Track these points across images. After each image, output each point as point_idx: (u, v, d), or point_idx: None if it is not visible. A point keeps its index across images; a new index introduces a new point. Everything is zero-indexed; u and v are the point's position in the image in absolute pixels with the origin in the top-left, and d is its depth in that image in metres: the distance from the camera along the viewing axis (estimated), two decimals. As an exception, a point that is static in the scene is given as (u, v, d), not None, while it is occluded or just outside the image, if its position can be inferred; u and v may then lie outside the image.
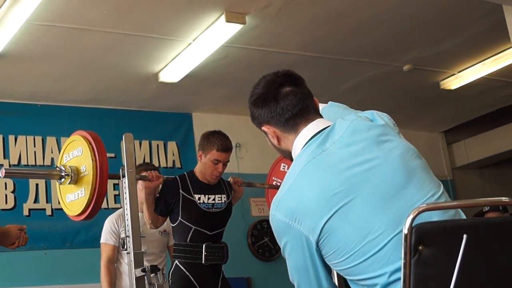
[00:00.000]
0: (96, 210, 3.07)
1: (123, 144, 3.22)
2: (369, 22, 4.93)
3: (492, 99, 7.26)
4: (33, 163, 5.77)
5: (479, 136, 8.14)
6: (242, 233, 6.58)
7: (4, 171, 3.07)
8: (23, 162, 5.71)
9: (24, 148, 5.77)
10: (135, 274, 3.01)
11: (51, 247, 5.50)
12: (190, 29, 4.73)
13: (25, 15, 4.12)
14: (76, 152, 3.17)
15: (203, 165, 3.71)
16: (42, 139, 5.88)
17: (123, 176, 3.17)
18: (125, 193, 3.16)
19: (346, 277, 1.71)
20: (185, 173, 3.80)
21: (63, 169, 3.14)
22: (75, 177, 3.11)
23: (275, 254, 6.55)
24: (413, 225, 1.46)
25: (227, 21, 4.51)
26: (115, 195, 5.98)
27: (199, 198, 3.65)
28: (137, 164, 4.06)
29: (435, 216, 1.63)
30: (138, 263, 3.05)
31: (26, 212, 5.61)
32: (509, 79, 6.55)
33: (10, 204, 5.57)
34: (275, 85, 1.91)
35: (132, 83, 5.71)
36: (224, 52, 5.18)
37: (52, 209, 5.68)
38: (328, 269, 1.75)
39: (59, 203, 5.62)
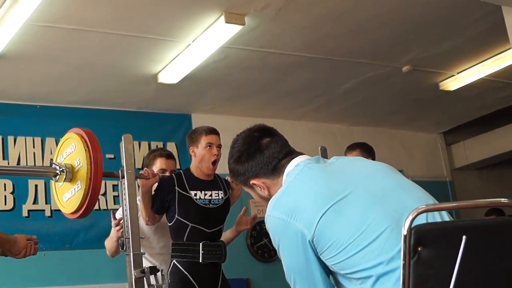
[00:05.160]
0: (93, 202, 3.02)
1: (122, 145, 3.22)
2: (369, 23, 4.94)
3: (491, 100, 7.26)
4: (32, 164, 5.76)
5: (478, 137, 8.14)
6: (241, 234, 6.49)
7: None
8: (22, 163, 5.70)
9: (23, 149, 5.77)
10: (134, 275, 3.01)
11: (50, 248, 5.49)
12: (189, 30, 4.74)
13: (24, 16, 4.12)
14: (70, 149, 3.16)
15: (199, 157, 3.69)
16: (41, 140, 5.88)
17: (122, 177, 3.17)
18: (124, 194, 3.16)
19: (341, 271, 1.74)
20: (181, 170, 3.79)
21: (58, 166, 3.11)
22: (70, 174, 3.08)
23: (274, 255, 6.55)
24: (412, 226, 1.47)
25: (226, 22, 4.52)
26: (114, 196, 5.98)
27: (195, 194, 3.63)
28: (145, 157, 4.06)
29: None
30: (137, 264, 3.04)
31: (25, 213, 5.61)
32: (509, 80, 6.55)
33: (10, 205, 5.57)
34: (255, 139, 1.99)
35: (131, 84, 5.71)
36: (224, 53, 5.18)
37: (51, 210, 5.67)
38: (324, 268, 1.78)
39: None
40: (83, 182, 3.00)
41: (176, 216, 3.59)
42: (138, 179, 3.61)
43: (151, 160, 3.94)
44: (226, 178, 3.86)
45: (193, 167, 3.74)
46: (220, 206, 3.71)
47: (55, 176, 3.14)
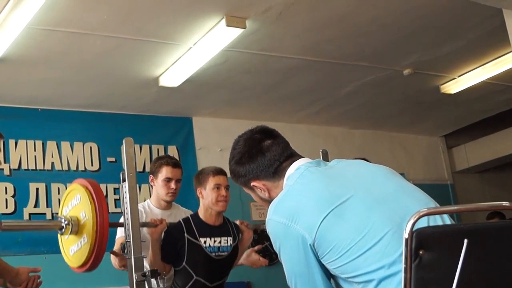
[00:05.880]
0: (100, 256, 3.01)
1: (124, 148, 3.21)
2: (370, 26, 4.94)
3: (492, 103, 7.27)
4: (34, 168, 5.77)
5: (479, 140, 8.15)
6: (242, 237, 6.56)
7: (2, 224, 3.06)
8: (24, 166, 5.71)
9: (25, 152, 5.77)
10: (135, 279, 3.01)
11: (51, 251, 5.47)
12: (191, 33, 4.74)
13: (25, 19, 4.12)
14: (75, 200, 3.16)
15: (206, 199, 3.59)
16: (43, 143, 5.88)
17: (124, 181, 3.16)
18: (126, 197, 3.15)
19: (342, 275, 1.74)
20: (188, 216, 3.68)
21: (63, 219, 3.11)
22: (76, 227, 3.08)
23: (276, 258, 6.48)
24: (413, 229, 1.47)
25: (228, 25, 4.52)
26: (115, 199, 5.97)
27: (204, 242, 3.54)
28: (154, 161, 4.00)
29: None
30: (138, 267, 3.04)
31: (26, 217, 5.60)
32: (509, 83, 6.55)
33: (11, 208, 5.57)
34: (256, 141, 1.98)
35: (132, 87, 5.71)
36: (225, 56, 5.18)
37: (52, 213, 5.67)
38: (325, 272, 1.78)
39: (59, 207, 5.69)
40: (89, 236, 2.99)
41: (184, 263, 3.52)
42: (146, 228, 3.52)
43: (157, 168, 3.86)
44: (235, 222, 3.78)
45: (201, 210, 3.64)
46: (228, 255, 3.62)
47: (60, 229, 3.13)
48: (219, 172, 3.62)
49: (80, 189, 3.13)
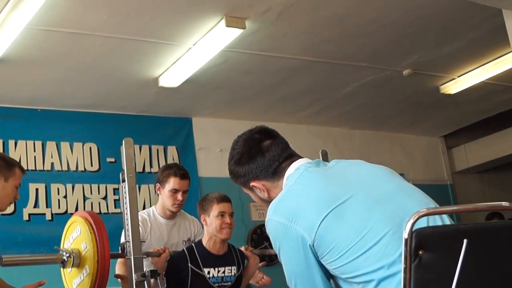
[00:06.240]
0: (103, 286, 2.99)
1: (123, 149, 3.21)
2: (369, 26, 4.94)
3: (492, 104, 7.27)
4: (33, 168, 5.76)
5: (479, 140, 8.15)
6: (242, 238, 6.56)
7: (3, 260, 3.05)
8: (23, 167, 5.70)
9: (24, 152, 5.77)
10: (135, 279, 3.01)
11: (51, 252, 5.46)
12: (190, 33, 4.74)
13: (25, 19, 4.12)
14: (76, 233, 3.15)
15: (210, 226, 3.53)
16: (42, 144, 5.88)
17: (123, 181, 3.16)
18: (125, 198, 3.15)
19: (342, 276, 1.73)
20: (192, 244, 3.64)
21: (64, 252, 3.09)
22: (77, 259, 3.07)
23: (275, 259, 6.50)
24: (413, 229, 1.47)
25: (227, 25, 4.52)
26: (115, 200, 5.97)
27: (208, 272, 3.49)
28: (162, 168, 3.98)
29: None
30: (137, 268, 3.04)
31: (26, 217, 5.60)
32: (509, 83, 6.56)
33: (10, 209, 5.56)
34: (256, 141, 1.97)
35: (132, 87, 5.71)
36: (224, 56, 5.18)
37: (52, 214, 5.67)
38: (325, 272, 1.78)
39: (59, 207, 5.69)
40: (90, 266, 2.98)
41: None
42: (150, 258, 3.51)
43: (164, 177, 3.81)
44: (240, 249, 3.73)
45: (205, 238, 3.59)
46: (231, 285, 3.56)
47: (62, 262, 3.11)
48: (224, 199, 3.56)
49: (80, 220, 3.12)
